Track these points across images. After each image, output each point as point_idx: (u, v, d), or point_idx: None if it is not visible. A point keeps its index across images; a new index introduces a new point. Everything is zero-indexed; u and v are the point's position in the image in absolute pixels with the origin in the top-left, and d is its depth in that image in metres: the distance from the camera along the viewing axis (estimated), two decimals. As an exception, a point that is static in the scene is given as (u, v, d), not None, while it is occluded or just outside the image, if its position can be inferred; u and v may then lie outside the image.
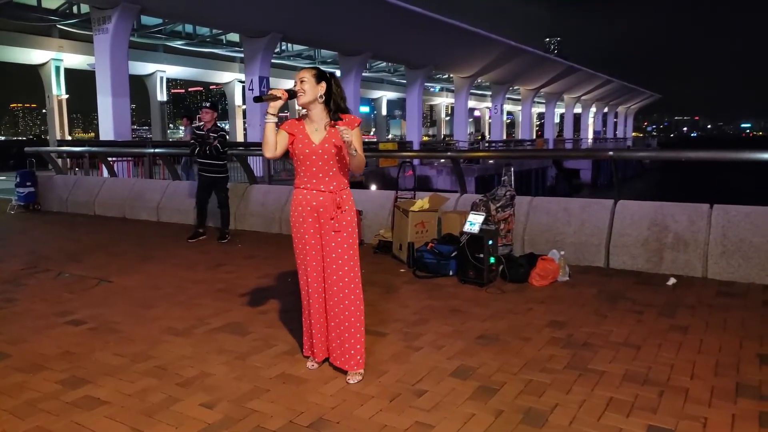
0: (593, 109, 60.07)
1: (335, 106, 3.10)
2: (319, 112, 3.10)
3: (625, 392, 2.87)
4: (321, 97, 3.07)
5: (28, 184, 10.44)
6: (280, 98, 3.03)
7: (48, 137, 25.09)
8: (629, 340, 3.60)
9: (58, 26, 22.02)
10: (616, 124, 69.32)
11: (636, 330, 3.79)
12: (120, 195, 9.78)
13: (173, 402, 2.84)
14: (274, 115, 3.07)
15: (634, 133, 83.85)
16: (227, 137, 7.19)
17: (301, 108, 3.13)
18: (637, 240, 5.43)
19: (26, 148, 12.26)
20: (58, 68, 23.67)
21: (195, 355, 3.47)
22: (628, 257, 5.46)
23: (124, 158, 13.38)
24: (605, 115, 65.14)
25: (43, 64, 23.69)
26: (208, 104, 7.21)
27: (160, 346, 3.62)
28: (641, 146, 61.07)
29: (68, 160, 13.41)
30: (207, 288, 5.00)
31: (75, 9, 20.38)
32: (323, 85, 3.07)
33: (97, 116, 16.49)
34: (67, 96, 24.07)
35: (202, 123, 7.14)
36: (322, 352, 3.21)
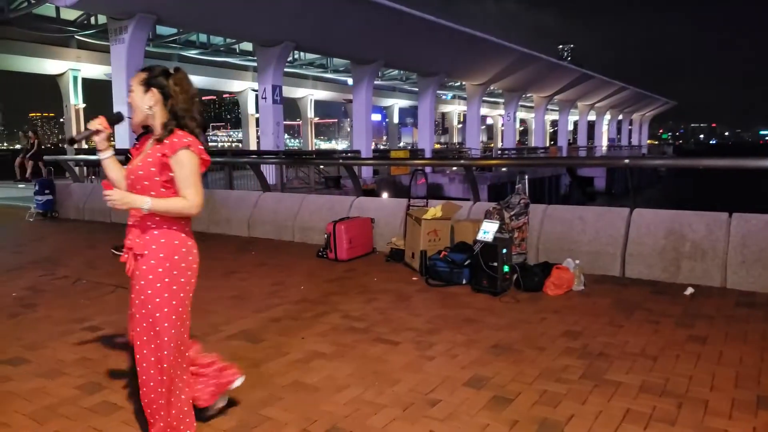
0: (607, 117, 59.73)
1: (173, 116, 2.36)
2: (158, 127, 2.40)
3: (642, 403, 2.83)
4: (150, 109, 2.38)
5: (47, 192, 10.58)
6: (100, 131, 2.44)
7: (65, 146, 25.41)
8: (646, 351, 3.55)
9: (76, 37, 22.36)
10: (630, 131, 68.87)
11: (653, 340, 3.74)
12: (135, 203, 9.86)
13: (187, 409, 2.85)
14: (104, 150, 2.48)
15: (649, 141, 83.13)
16: None
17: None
18: (653, 249, 5.37)
19: (44, 157, 12.44)
20: (75, 78, 24.02)
21: (209, 362, 3.47)
22: (644, 266, 5.40)
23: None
24: (620, 122, 64.75)
25: (62, 74, 24.05)
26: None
27: (175, 353, 3.63)
28: (657, 154, 60.64)
29: (85, 168, 13.58)
30: (220, 295, 5.02)
31: (93, 20, 20.69)
32: (154, 92, 2.37)
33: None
34: (84, 105, 24.40)
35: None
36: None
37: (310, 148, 35.68)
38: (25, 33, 20.88)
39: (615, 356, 3.47)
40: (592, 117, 56.33)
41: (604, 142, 57.83)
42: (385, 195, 16.58)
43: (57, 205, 10.73)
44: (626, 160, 6.30)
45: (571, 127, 58.17)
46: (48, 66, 23.92)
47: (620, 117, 63.62)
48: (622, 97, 53.78)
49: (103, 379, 3.22)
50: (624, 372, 3.23)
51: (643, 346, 3.64)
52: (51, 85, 25.36)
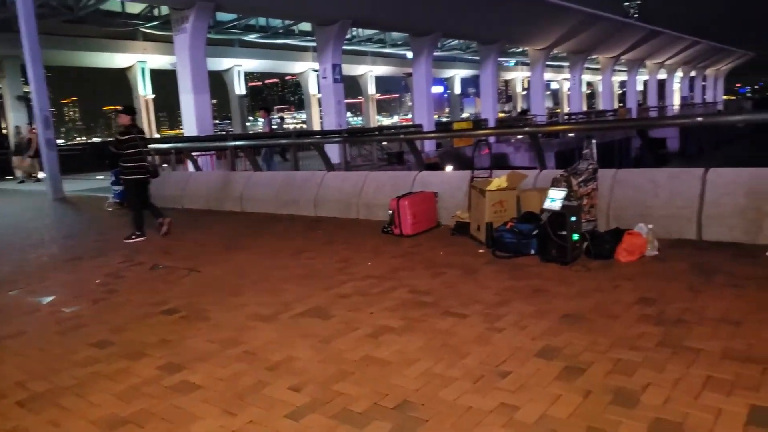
0: (679, 74, 56.41)
1: None
2: None
3: (724, 370, 2.71)
4: None
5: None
6: None
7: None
8: (728, 316, 3.37)
9: (142, 30, 23.24)
10: (704, 87, 64.77)
11: (735, 305, 3.55)
12: (205, 188, 10.23)
13: (263, 386, 2.96)
14: None
15: (725, 96, 77.73)
16: (121, 139, 7.29)
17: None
18: (733, 209, 5.07)
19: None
20: (143, 69, 25.08)
21: (281, 339, 3.59)
22: (723, 228, 5.11)
23: (208, 152, 13.99)
24: (692, 79, 60.97)
25: (130, 67, 25.16)
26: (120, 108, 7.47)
27: (248, 331, 3.77)
28: (734, 109, 56.86)
29: (156, 156, 14.16)
30: (290, 274, 5.16)
31: (156, 12, 21.42)
32: None
33: (180, 113, 17.27)
34: (153, 96, 25.44)
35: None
36: None
37: (371, 125, 35.77)
38: (94, 29, 21.88)
39: (694, 322, 3.32)
40: (662, 75, 53.36)
41: (677, 101, 54.72)
42: (448, 168, 16.43)
43: (133, 193, 11.25)
44: (699, 118, 5.95)
45: (640, 88, 55.37)
46: (117, 60, 25.03)
47: (693, 73, 59.89)
48: (694, 52, 50.61)
49: (182, 359, 3.38)
50: (704, 338, 3.09)
51: (725, 311, 3.46)
52: (121, 78, 26.56)
